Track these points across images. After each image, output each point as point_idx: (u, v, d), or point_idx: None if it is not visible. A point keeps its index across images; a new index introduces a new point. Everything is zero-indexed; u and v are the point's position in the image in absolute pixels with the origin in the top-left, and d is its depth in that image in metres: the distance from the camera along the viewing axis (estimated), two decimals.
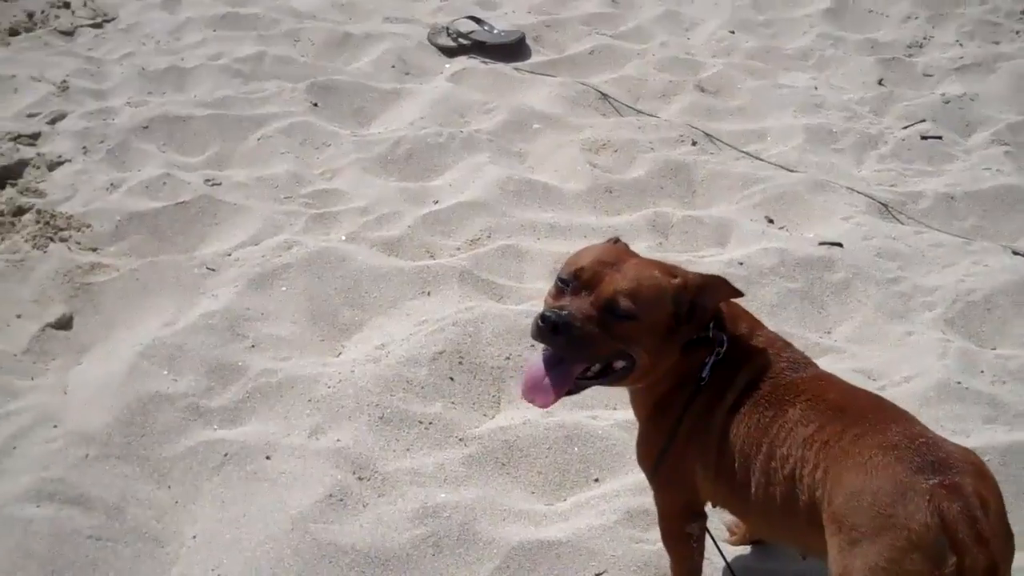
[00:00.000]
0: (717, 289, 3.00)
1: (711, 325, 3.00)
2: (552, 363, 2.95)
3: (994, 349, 4.67)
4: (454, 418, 4.19)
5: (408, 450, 4.04)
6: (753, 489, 2.86)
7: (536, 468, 3.99)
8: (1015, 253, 5.30)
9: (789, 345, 3.08)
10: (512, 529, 3.67)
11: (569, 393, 2.96)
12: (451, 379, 4.36)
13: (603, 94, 7.17)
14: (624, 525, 3.66)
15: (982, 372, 4.40)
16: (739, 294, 3.04)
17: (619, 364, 2.93)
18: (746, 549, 3.59)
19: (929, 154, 6.55)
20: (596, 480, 3.95)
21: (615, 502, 3.77)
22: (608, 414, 4.22)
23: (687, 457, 3.03)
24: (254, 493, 3.80)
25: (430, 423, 4.14)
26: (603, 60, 7.87)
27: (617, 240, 3.17)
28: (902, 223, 5.71)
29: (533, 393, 2.94)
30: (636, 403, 3.18)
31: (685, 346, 2.99)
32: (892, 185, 6.17)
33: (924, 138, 6.68)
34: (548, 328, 2.85)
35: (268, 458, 3.94)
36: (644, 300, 2.87)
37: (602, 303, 2.87)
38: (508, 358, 4.47)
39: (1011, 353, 4.57)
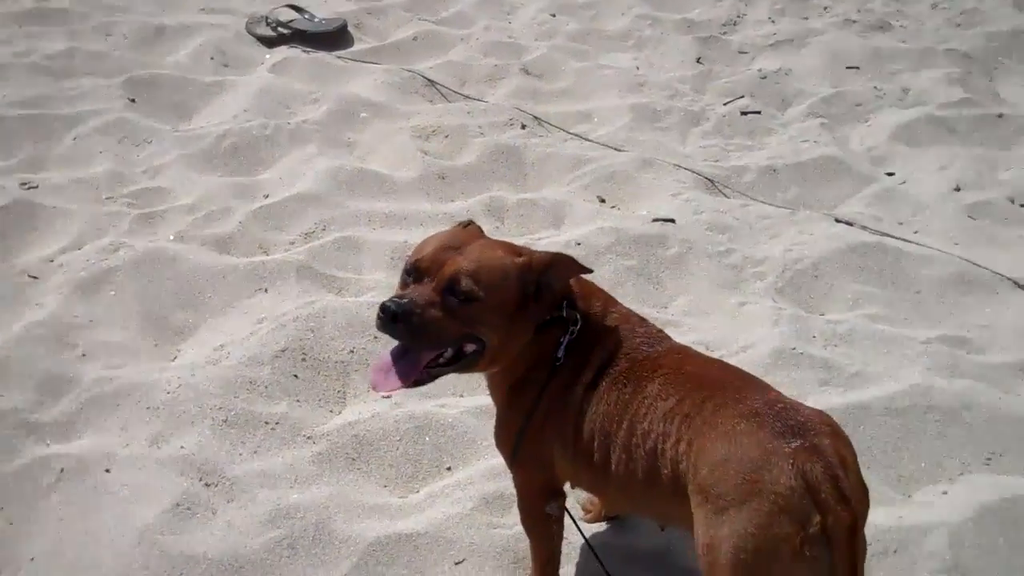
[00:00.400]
0: (564, 267, 2.99)
1: (564, 304, 2.99)
2: (400, 353, 2.91)
3: (823, 315, 4.83)
4: (301, 416, 4.11)
5: (255, 452, 3.93)
6: (614, 466, 2.87)
7: (387, 461, 3.94)
8: (837, 221, 5.50)
9: (644, 321, 3.09)
10: (368, 524, 3.62)
11: (419, 383, 2.92)
12: (295, 376, 4.27)
13: (429, 80, 7.13)
14: (480, 512, 3.66)
15: (814, 337, 4.55)
16: (587, 271, 3.03)
17: (469, 348, 2.90)
18: (603, 526, 3.63)
19: (750, 128, 6.74)
20: (449, 469, 3.92)
21: (469, 489, 3.76)
22: (456, 401, 4.20)
23: (545, 437, 3.02)
24: (96, 508, 3.63)
25: (276, 423, 4.04)
26: (427, 46, 7.82)
27: (469, 223, 3.14)
28: (729, 197, 5.86)
29: (380, 384, 2.90)
30: (493, 387, 3.17)
31: (539, 327, 2.98)
32: (716, 160, 6.33)
33: (744, 113, 6.87)
34: (388, 318, 2.79)
35: (108, 471, 3.77)
36: (487, 281, 2.84)
37: (443, 286, 2.83)
38: (352, 352, 4.40)
39: (840, 317, 4.74)
